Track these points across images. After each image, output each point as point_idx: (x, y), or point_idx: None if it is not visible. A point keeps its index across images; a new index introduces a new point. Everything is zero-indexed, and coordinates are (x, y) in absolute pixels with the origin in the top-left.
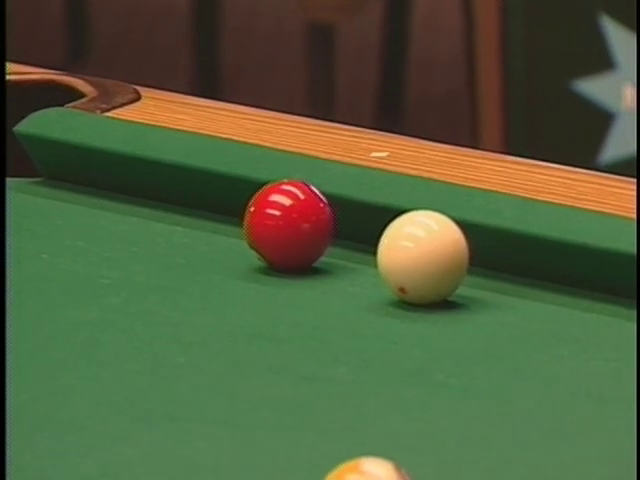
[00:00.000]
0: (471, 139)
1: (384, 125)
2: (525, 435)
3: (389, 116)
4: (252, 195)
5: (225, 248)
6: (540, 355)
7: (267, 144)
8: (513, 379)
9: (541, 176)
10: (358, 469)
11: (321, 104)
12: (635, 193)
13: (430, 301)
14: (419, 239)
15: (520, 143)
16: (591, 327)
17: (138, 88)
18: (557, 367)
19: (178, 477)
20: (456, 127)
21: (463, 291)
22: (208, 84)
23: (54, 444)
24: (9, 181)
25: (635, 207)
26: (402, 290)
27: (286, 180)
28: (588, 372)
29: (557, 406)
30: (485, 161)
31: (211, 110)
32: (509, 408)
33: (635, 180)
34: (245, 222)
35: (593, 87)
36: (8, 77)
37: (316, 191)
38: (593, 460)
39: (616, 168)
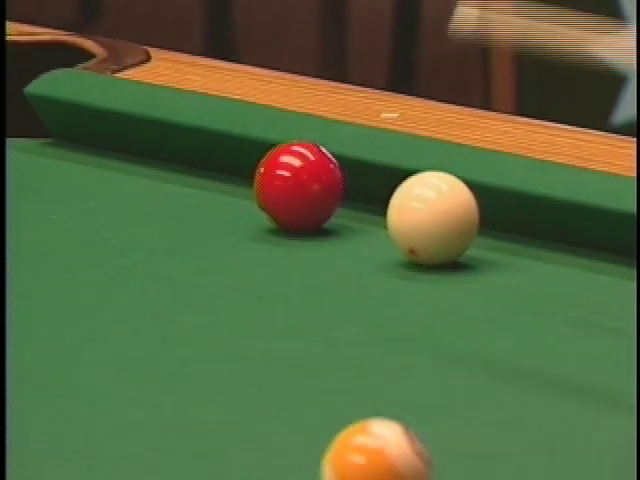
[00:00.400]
0: (483, 100)
1: (396, 86)
2: (535, 396)
3: (401, 77)
4: (262, 156)
5: (235, 209)
6: (550, 317)
7: (278, 105)
8: (522, 341)
9: (552, 137)
10: (366, 430)
11: (333, 65)
12: None
13: (440, 262)
14: (429, 200)
15: (532, 104)
16: (600, 288)
17: (148, 49)
18: (566, 329)
19: (187, 438)
20: (468, 88)
21: (473, 252)
22: (220, 46)
23: (62, 406)
24: (19, 142)
25: None
26: (412, 251)
27: (296, 141)
28: (597, 334)
29: (567, 368)
30: (496, 122)
31: (221, 71)
32: (518, 369)
33: None
34: (255, 183)
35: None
36: (19, 38)
37: (326, 152)
38: (603, 423)
39: (628, 129)
